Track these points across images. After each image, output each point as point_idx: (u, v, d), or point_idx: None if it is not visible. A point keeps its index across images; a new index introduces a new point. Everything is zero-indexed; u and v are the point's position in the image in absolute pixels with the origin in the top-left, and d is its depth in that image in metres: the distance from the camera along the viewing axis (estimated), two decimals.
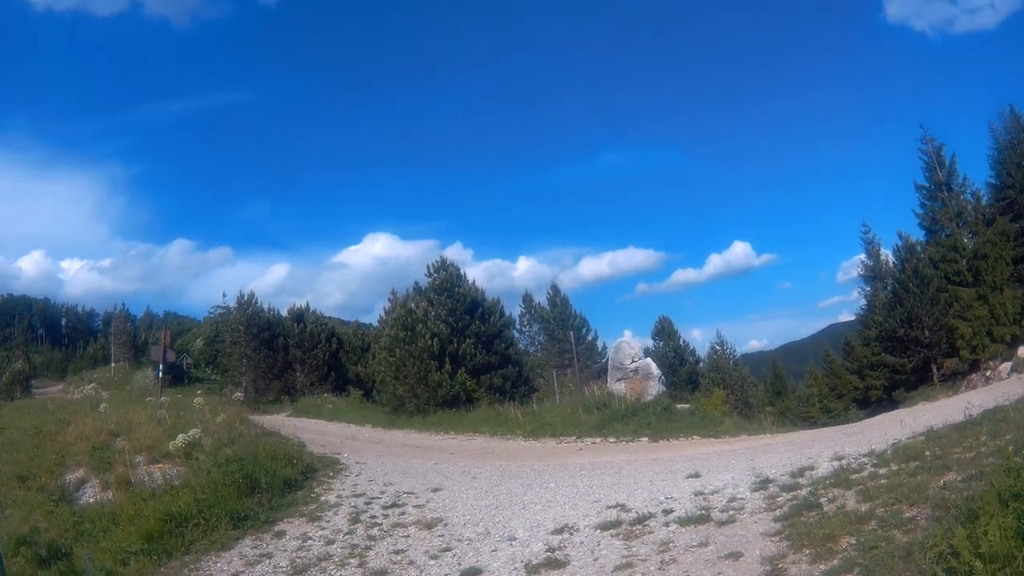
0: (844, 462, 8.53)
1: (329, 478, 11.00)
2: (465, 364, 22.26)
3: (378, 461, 13.18)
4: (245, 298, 33.02)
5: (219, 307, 33.78)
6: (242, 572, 7.16)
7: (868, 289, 38.30)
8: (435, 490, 9.73)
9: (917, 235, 30.54)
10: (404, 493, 9.56)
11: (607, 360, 25.61)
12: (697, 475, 9.24)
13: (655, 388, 19.40)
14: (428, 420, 20.11)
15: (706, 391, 34.81)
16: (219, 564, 7.41)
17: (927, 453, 7.78)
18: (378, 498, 9.37)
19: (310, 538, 7.88)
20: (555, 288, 34.65)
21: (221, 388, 31.61)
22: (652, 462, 11.33)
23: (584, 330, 32.82)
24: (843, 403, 38.62)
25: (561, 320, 32.85)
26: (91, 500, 10.32)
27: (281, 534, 8.14)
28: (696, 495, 8.14)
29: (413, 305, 23.33)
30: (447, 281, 24.45)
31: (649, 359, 20.99)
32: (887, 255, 37.02)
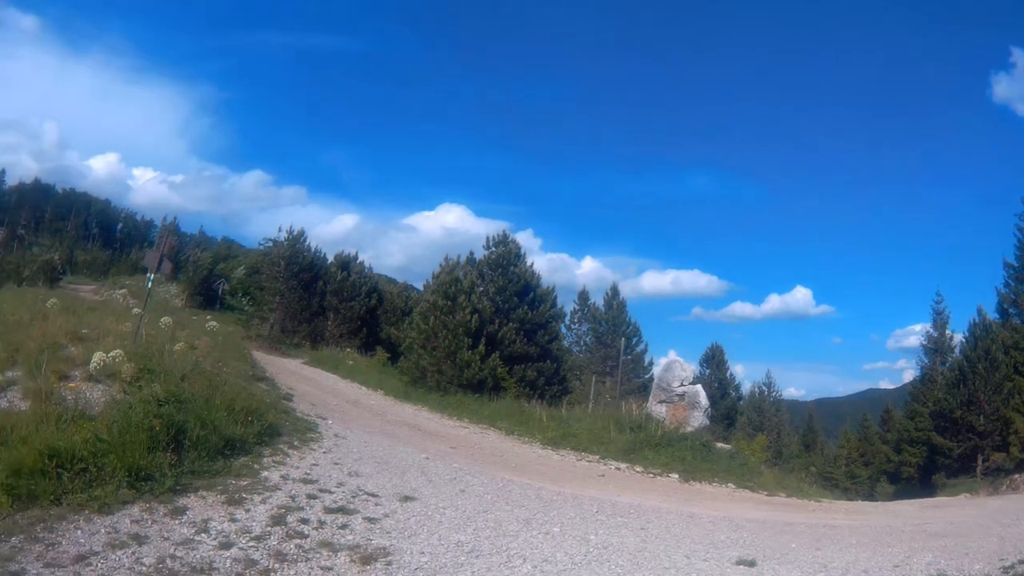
0: None
1: (290, 448, 8.74)
2: (501, 349, 19.92)
3: (362, 439, 10.89)
4: (294, 234, 31.27)
5: (270, 239, 32.09)
6: (95, 554, 4.99)
7: (927, 361, 36.35)
8: (405, 499, 7.32)
9: (994, 316, 28.38)
10: (365, 494, 7.17)
11: (651, 377, 23.96)
12: (751, 563, 6.90)
13: (699, 419, 16.96)
14: (445, 400, 17.93)
15: (743, 431, 33.80)
16: (77, 533, 5.28)
17: None
18: (330, 492, 7.02)
19: (206, 531, 5.60)
20: (614, 289, 32.56)
21: (248, 320, 30.04)
22: (688, 519, 9.11)
23: (635, 340, 30.80)
24: (869, 471, 38.29)
25: (613, 324, 30.88)
26: (3, 406, 8.36)
27: (179, 512, 5.91)
28: None
29: (461, 274, 21.09)
30: (503, 257, 22.07)
31: (699, 386, 18.31)
32: (952, 332, 35.31)
